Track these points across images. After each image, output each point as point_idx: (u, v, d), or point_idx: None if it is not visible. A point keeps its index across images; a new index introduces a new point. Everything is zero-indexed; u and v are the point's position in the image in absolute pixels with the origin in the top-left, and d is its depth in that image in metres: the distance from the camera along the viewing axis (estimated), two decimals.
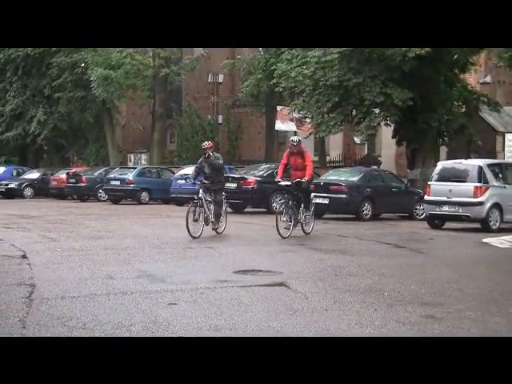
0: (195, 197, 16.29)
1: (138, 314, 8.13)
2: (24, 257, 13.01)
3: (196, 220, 15.83)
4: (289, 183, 16.40)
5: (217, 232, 16.65)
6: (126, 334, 7.19)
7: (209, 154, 16.59)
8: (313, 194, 17.43)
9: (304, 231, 16.70)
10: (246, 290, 9.74)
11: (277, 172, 17.19)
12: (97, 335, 7.17)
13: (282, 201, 16.57)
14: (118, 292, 9.50)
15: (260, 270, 11.46)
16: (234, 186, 24.97)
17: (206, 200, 16.27)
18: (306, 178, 16.15)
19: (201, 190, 16.38)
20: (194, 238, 15.42)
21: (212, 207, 16.41)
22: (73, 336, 7.13)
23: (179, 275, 10.98)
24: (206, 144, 16.87)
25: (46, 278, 10.60)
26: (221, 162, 16.90)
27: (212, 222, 16.46)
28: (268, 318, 7.96)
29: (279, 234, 15.70)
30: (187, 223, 15.47)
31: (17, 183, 39.79)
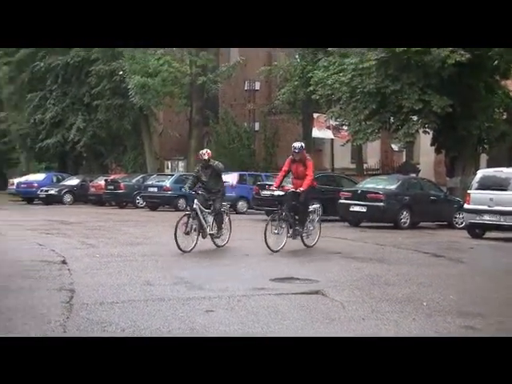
0: (188, 208, 15.35)
1: (175, 321, 8.18)
2: (64, 262, 13.17)
3: (187, 233, 14.60)
4: (281, 193, 15.40)
5: (216, 245, 15.43)
6: None
7: (207, 163, 15.42)
8: (316, 206, 16.25)
9: (304, 244, 15.48)
10: (283, 297, 9.74)
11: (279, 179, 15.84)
12: None
13: (275, 212, 15.25)
14: (156, 298, 9.57)
15: (297, 278, 11.44)
16: (269, 193, 24.95)
17: (201, 211, 15.01)
18: (301, 189, 14.92)
19: (195, 201, 15.04)
20: (184, 252, 14.29)
21: (210, 219, 15.22)
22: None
23: (216, 282, 11.01)
24: (205, 153, 15.58)
25: (86, 284, 10.72)
26: (222, 166, 16.02)
27: (211, 234, 15.27)
28: (305, 327, 7.96)
29: (267, 246, 14.46)
30: (175, 236, 14.37)
31: (57, 189, 40.29)
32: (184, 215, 14.89)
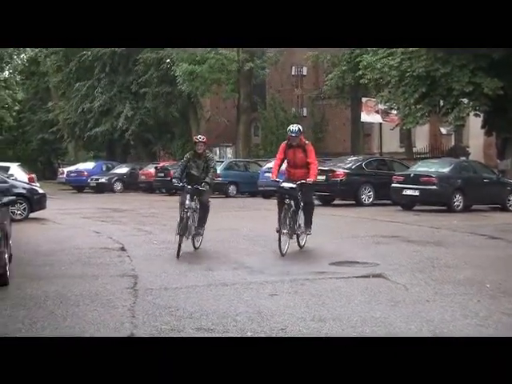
0: (185, 206, 12.52)
1: (241, 305, 8.29)
2: (123, 249, 13.39)
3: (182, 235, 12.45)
4: (293, 186, 12.53)
5: (194, 246, 13.07)
6: (232, 324, 7.37)
7: (202, 152, 12.96)
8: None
9: (299, 244, 13.04)
10: (345, 281, 9.80)
11: (283, 170, 13.20)
12: (203, 325, 7.37)
13: (285, 208, 12.56)
14: (219, 283, 9.70)
15: (356, 262, 11.50)
16: (322, 178, 25.01)
17: (192, 209, 12.70)
18: (310, 180, 12.55)
19: (188, 197, 12.55)
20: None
21: (196, 216, 12.88)
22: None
23: (276, 267, 11.11)
24: (201, 138, 13.13)
25: (147, 270, 10.91)
26: (215, 162, 13.58)
27: (193, 234, 12.89)
28: (370, 309, 8.01)
29: (280, 250, 12.18)
30: (179, 245, 12.31)
31: (107, 178, 40.68)
32: (182, 216, 12.46)
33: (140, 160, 46.64)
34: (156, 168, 37.55)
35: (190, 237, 12.72)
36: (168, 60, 41.00)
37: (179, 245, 12.17)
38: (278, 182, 12.75)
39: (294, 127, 12.77)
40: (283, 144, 12.95)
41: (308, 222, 12.97)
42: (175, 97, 43.53)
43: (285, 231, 12.35)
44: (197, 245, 13.06)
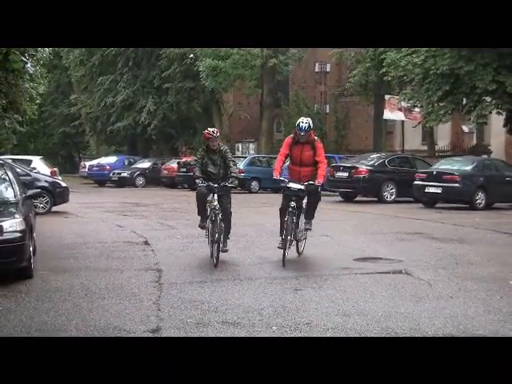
0: (209, 208, 11.16)
1: (265, 299, 8.36)
2: (146, 243, 13.48)
3: (215, 241, 10.99)
4: (302, 187, 11.13)
5: (216, 257, 10.89)
6: (258, 318, 7.44)
7: (217, 147, 11.41)
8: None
9: (298, 250, 11.71)
10: (369, 276, 9.85)
11: (283, 167, 11.53)
12: (229, 318, 7.44)
13: (289, 212, 11.18)
14: (244, 278, 9.78)
15: (380, 258, 11.54)
16: (345, 175, 25.07)
17: (220, 212, 11.13)
18: (320, 181, 11.15)
19: (215, 197, 11.08)
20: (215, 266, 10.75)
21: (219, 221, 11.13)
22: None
23: (300, 263, 11.17)
24: (214, 132, 11.41)
25: (171, 264, 10.99)
26: (231, 154, 11.98)
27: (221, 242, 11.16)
28: (394, 305, 8.06)
29: (284, 260, 10.84)
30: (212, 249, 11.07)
31: (129, 172, 40.80)
32: (209, 219, 11.14)
33: (162, 155, 46.74)
34: (178, 163, 37.62)
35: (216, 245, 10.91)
36: (191, 55, 41.01)
37: (216, 256, 10.74)
38: (282, 181, 11.29)
39: (304, 123, 11.06)
40: (288, 139, 11.47)
41: (310, 215, 11.54)
42: (198, 92, 43.58)
43: (290, 237, 11.00)
44: (217, 254, 10.87)
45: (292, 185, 11.22)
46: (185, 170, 36.12)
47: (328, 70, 44.59)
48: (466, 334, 6.76)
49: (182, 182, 37.00)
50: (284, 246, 10.89)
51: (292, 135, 11.47)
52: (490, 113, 28.88)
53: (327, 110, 45.47)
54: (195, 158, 11.96)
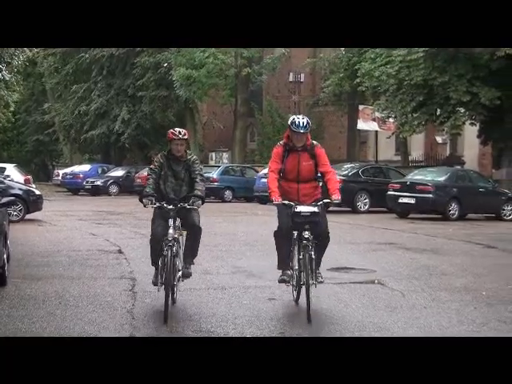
0: (169, 239, 8.06)
1: (240, 308, 8.34)
2: (120, 252, 13.42)
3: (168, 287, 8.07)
4: (316, 209, 8.14)
5: (173, 298, 8.45)
6: (231, 327, 7.42)
7: (182, 154, 8.52)
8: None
9: (309, 301, 7.84)
10: (342, 286, 9.88)
11: (271, 186, 8.37)
12: (203, 327, 7.42)
13: (303, 246, 8.19)
14: (217, 287, 9.76)
15: (353, 268, 11.57)
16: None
17: (177, 242, 8.31)
18: (337, 197, 8.22)
19: (171, 223, 8.20)
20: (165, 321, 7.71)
21: (182, 249, 8.57)
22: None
23: (274, 271, 11.05)
24: (181, 133, 8.40)
25: (145, 272, 10.86)
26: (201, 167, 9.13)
27: (183, 269, 8.57)
28: (368, 314, 8.08)
29: (297, 300, 8.65)
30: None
31: (102, 181, 40.69)
32: (166, 249, 8.10)
33: (135, 163, 46.64)
34: None
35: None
36: (165, 64, 41.04)
37: (166, 303, 7.78)
38: (286, 205, 8.15)
39: (301, 119, 8.27)
40: (278, 148, 8.48)
41: (318, 264, 8.55)
42: (172, 101, 43.60)
43: (288, 279, 8.45)
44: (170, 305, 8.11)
45: (302, 209, 8.05)
46: None
47: (302, 79, 44.75)
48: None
49: None
50: (297, 293, 8.53)
51: (282, 142, 8.50)
52: (464, 123, 29.17)
53: None
54: (150, 167, 8.67)
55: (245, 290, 9.46)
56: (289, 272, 8.44)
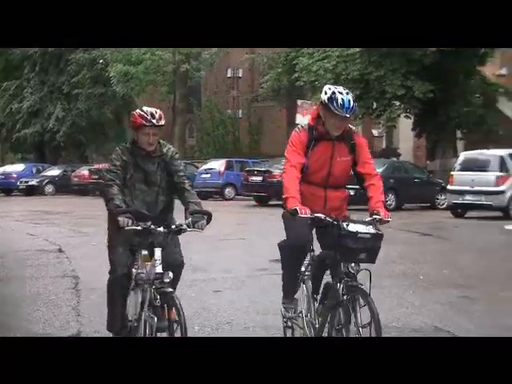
0: (150, 278, 5.55)
1: (185, 301, 8.34)
2: (60, 251, 13.30)
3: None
4: (374, 231, 5.30)
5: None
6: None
7: (156, 147, 5.74)
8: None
9: None
10: None
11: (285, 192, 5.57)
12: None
13: (349, 288, 5.41)
14: None
15: None
16: (259, 179, 25.44)
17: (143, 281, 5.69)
18: (388, 217, 5.48)
19: (158, 256, 5.50)
20: None
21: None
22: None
23: (218, 265, 11.26)
24: (155, 115, 5.58)
25: (88, 270, 10.87)
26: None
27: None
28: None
29: None
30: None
31: (37, 180, 39.96)
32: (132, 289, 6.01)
33: (71, 162, 45.99)
34: (90, 170, 37.18)
35: None
36: (101, 60, 40.70)
37: None
38: (321, 220, 5.38)
39: (345, 94, 5.45)
40: (301, 132, 5.62)
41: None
42: (109, 98, 43.26)
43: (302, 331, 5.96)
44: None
45: (359, 228, 5.28)
46: (97, 177, 35.78)
47: (240, 75, 44.95)
48: (382, 326, 6.96)
49: (93, 190, 36.58)
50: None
51: (306, 124, 5.70)
52: (399, 116, 29.76)
53: (240, 115, 45.81)
54: (108, 167, 5.87)
55: (190, 283, 9.49)
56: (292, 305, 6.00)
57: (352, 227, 5.28)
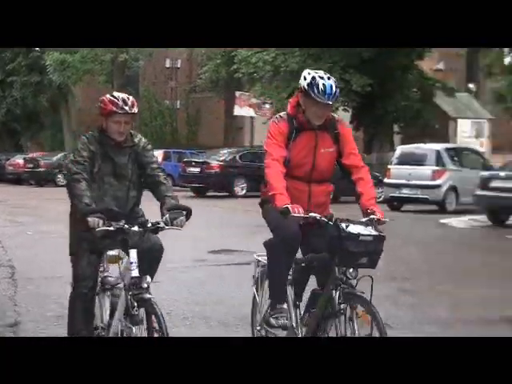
0: (124, 283, 4.98)
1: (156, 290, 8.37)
2: None
3: None
4: (375, 232, 4.86)
5: None
6: None
7: (126, 137, 5.20)
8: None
9: None
10: (224, 268, 10.14)
11: (268, 185, 5.28)
12: None
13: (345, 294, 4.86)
14: None
15: (233, 250, 11.82)
16: (197, 170, 25.41)
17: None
18: (381, 213, 5.08)
19: (134, 258, 4.83)
20: None
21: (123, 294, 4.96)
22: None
23: (181, 253, 11.21)
24: (127, 101, 5.09)
25: (24, 260, 10.76)
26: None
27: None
28: (249, 292, 8.26)
29: None
30: None
31: None
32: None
33: (6, 150, 45.11)
34: (24, 159, 36.65)
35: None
36: (37, 48, 40.06)
37: None
38: (320, 221, 4.89)
39: (326, 79, 4.93)
40: (280, 123, 5.13)
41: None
42: (45, 86, 42.58)
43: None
44: None
45: (361, 229, 4.82)
46: (32, 165, 35.29)
47: (179, 65, 44.76)
48: None
49: (28, 178, 36.08)
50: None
51: (284, 114, 5.20)
52: (337, 109, 30.04)
53: (178, 106, 45.64)
54: (75, 159, 5.14)
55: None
56: (285, 306, 5.30)
57: (352, 229, 4.78)
